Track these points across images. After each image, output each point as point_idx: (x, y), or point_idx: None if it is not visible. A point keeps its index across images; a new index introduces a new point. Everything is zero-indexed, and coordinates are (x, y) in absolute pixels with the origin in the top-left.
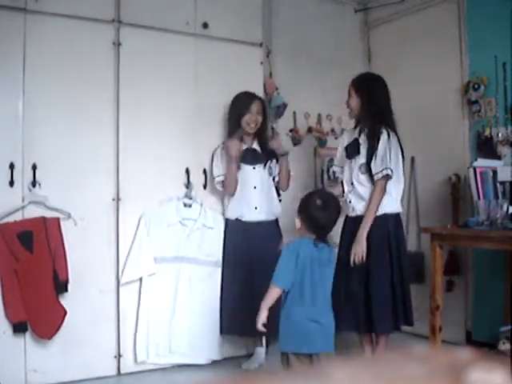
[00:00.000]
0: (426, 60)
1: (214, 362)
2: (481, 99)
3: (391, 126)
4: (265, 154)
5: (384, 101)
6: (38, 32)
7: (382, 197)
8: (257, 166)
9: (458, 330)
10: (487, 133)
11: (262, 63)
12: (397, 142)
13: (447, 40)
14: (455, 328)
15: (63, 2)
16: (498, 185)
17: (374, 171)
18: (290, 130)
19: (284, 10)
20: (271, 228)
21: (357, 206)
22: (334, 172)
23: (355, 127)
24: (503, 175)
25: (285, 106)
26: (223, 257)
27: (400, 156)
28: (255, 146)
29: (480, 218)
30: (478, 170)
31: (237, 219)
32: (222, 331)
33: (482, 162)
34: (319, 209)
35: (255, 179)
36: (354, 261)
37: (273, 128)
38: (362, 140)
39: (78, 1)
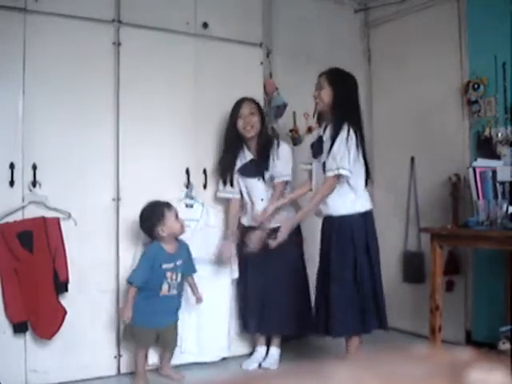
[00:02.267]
0: (425, 60)
1: (215, 362)
2: (481, 99)
3: (357, 125)
4: (263, 165)
5: (354, 98)
6: (38, 32)
7: (327, 195)
8: (260, 178)
9: (458, 330)
10: (487, 133)
11: (262, 63)
12: (356, 141)
13: (447, 40)
14: (455, 328)
15: (63, 2)
16: (498, 185)
17: (326, 168)
18: (290, 130)
19: (284, 10)
20: None
21: (321, 207)
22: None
23: (319, 124)
24: (503, 175)
25: (285, 105)
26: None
27: (359, 156)
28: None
29: (480, 218)
30: (477, 170)
31: (250, 226)
32: (243, 330)
33: (481, 162)
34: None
35: (261, 191)
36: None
37: (273, 128)
38: (326, 138)
39: (78, 1)
